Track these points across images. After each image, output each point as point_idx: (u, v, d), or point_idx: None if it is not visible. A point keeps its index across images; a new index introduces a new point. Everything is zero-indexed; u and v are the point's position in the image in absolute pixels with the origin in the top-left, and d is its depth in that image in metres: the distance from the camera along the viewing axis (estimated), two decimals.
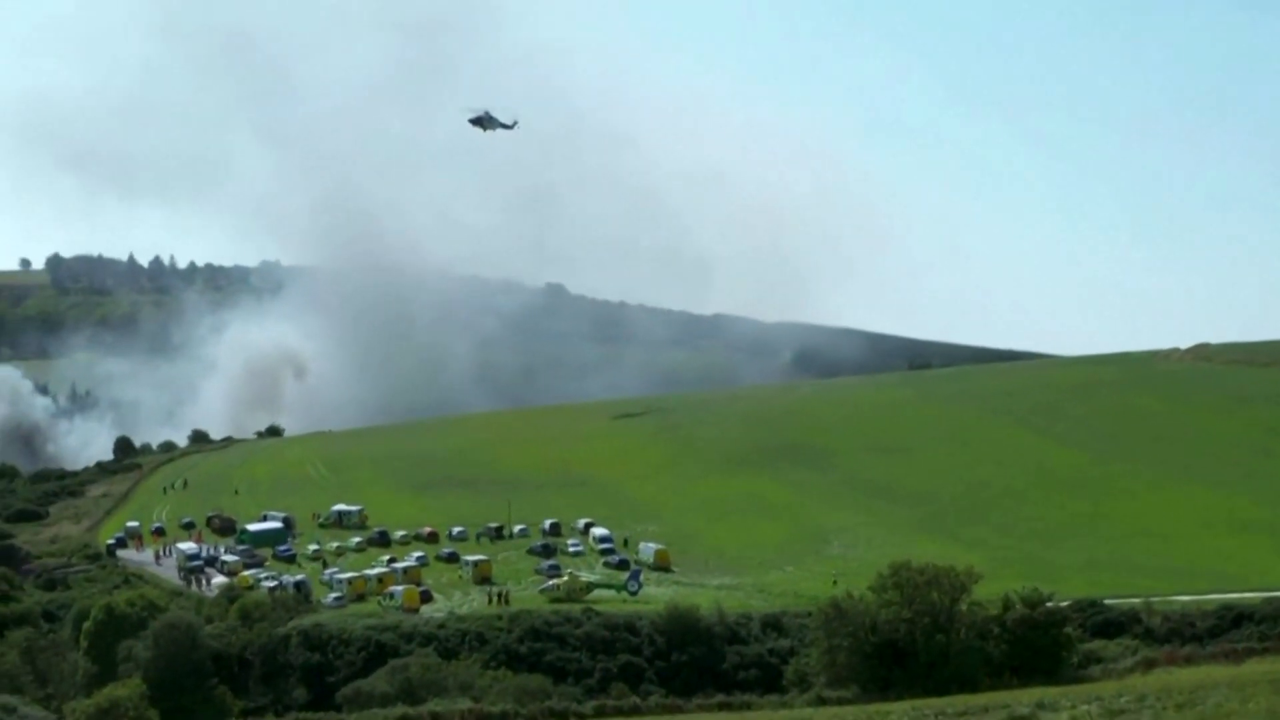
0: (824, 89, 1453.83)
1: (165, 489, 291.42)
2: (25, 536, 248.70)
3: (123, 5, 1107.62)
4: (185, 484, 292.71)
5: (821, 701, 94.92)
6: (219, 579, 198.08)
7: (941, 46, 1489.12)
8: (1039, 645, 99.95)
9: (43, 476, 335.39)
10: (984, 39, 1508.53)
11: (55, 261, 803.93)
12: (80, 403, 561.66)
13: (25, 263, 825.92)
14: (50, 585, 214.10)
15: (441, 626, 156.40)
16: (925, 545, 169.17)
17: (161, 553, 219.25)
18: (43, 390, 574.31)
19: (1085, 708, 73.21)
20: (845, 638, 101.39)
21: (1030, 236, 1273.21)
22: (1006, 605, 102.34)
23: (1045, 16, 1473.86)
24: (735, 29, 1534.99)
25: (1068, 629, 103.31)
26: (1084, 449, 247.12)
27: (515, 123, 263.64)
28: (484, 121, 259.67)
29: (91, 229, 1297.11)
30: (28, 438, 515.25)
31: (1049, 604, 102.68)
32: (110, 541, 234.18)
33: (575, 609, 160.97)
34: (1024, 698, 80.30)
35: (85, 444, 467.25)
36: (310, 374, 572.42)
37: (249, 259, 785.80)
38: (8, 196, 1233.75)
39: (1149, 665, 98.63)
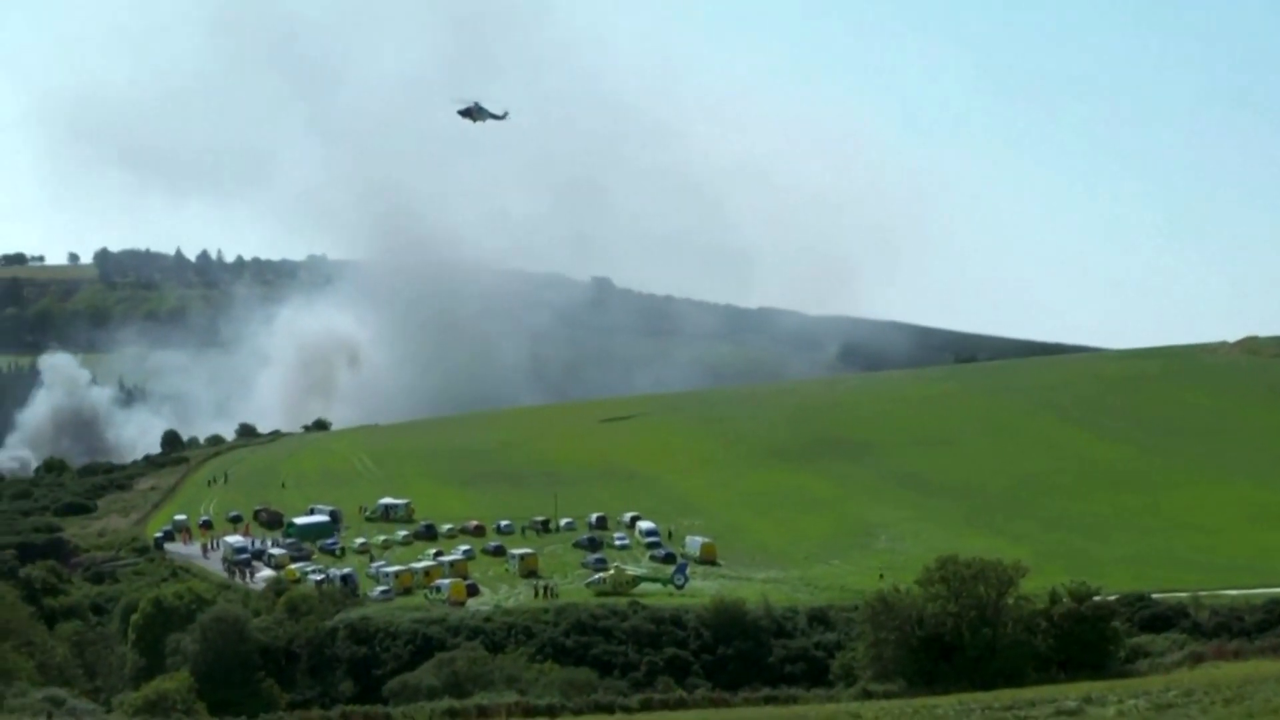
0: (869, 82, 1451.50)
1: (209, 482, 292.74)
2: (74, 530, 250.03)
3: (172, 2, 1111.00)
4: (226, 479, 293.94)
5: (868, 695, 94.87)
6: (266, 572, 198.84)
7: (985, 38, 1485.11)
8: (1086, 639, 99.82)
9: (91, 470, 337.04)
10: (1028, 30, 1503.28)
11: (103, 256, 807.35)
12: (134, 394, 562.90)
13: (74, 257, 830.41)
14: (98, 578, 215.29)
15: (488, 620, 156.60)
16: (971, 539, 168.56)
17: (209, 546, 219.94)
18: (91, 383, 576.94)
19: (1132, 702, 73.25)
20: (892, 631, 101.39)
21: (1076, 229, 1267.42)
22: (1053, 599, 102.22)
23: (1089, 6, 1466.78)
24: (780, 21, 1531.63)
25: (1115, 623, 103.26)
26: (1130, 443, 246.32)
27: (506, 113, 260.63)
28: (473, 112, 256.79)
29: (140, 224, 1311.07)
30: (85, 426, 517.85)
31: (1096, 598, 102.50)
32: (158, 535, 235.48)
33: (621, 602, 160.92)
34: (1071, 692, 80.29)
35: (143, 433, 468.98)
36: (363, 363, 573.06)
37: (296, 253, 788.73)
38: (57, 191, 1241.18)
39: (1196, 660, 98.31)
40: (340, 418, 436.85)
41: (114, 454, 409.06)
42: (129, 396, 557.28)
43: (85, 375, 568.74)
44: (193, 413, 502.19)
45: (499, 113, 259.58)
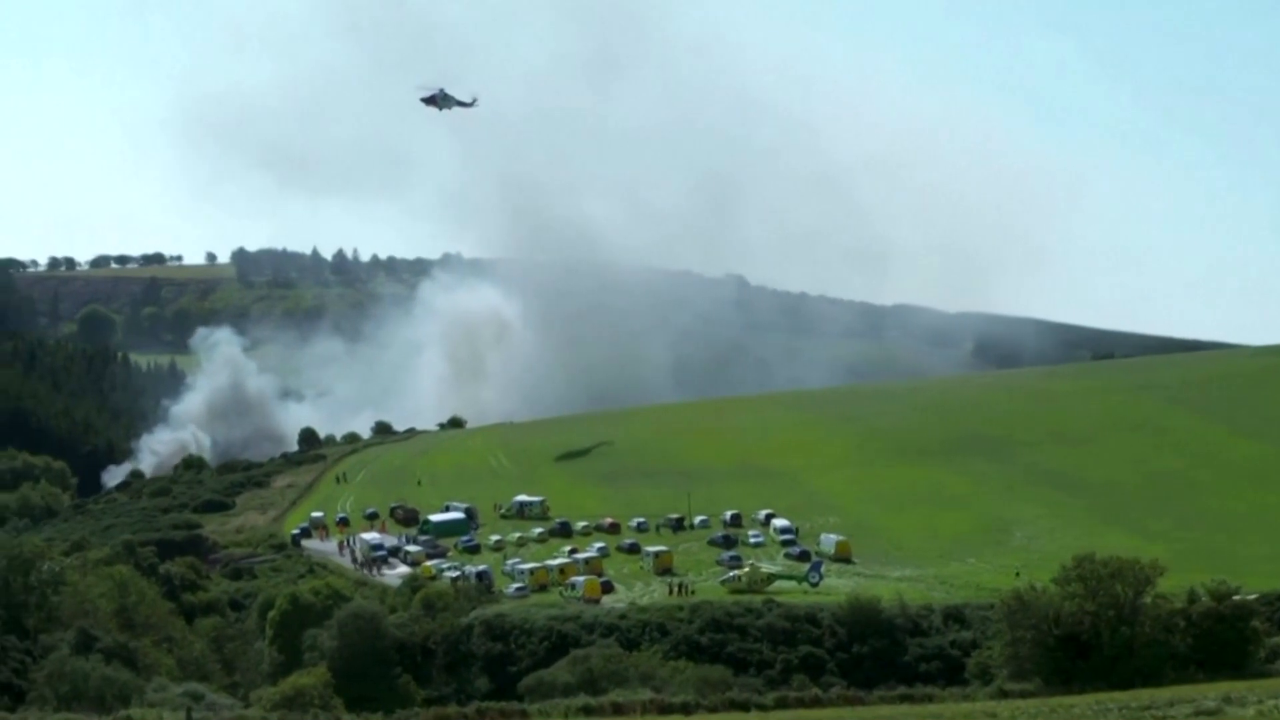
0: (1007, 78, 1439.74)
1: (336, 479, 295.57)
2: (212, 527, 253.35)
3: (310, 5, 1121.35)
4: (344, 477, 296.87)
5: (1004, 694, 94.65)
6: (401, 569, 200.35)
7: (1122, 37, 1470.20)
8: (1225, 639, 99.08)
9: (229, 467, 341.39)
10: (1164, 29, 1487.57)
11: (241, 255, 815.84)
12: (288, 390, 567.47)
13: (211, 257, 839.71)
14: (236, 575, 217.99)
15: (623, 617, 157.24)
16: (1107, 537, 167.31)
17: (347, 543, 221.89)
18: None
19: (1272, 703, 72.67)
20: (1028, 630, 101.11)
21: (1214, 225, 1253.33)
22: (1192, 598, 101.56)
23: (1224, 5, 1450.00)
24: (917, 18, 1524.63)
25: (1254, 622, 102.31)
26: (1268, 440, 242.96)
27: (475, 100, 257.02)
28: (438, 100, 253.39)
29: (277, 223, 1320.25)
30: (249, 410, 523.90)
31: (1235, 597, 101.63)
32: (295, 532, 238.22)
33: (756, 600, 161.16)
34: (1210, 692, 79.73)
35: (299, 424, 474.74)
36: (508, 354, 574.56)
37: (431, 252, 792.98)
38: (195, 192, 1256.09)
39: None
40: (485, 413, 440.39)
41: (283, 443, 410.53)
42: (284, 391, 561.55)
43: (244, 358, 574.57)
44: (342, 406, 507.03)
45: (467, 100, 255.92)
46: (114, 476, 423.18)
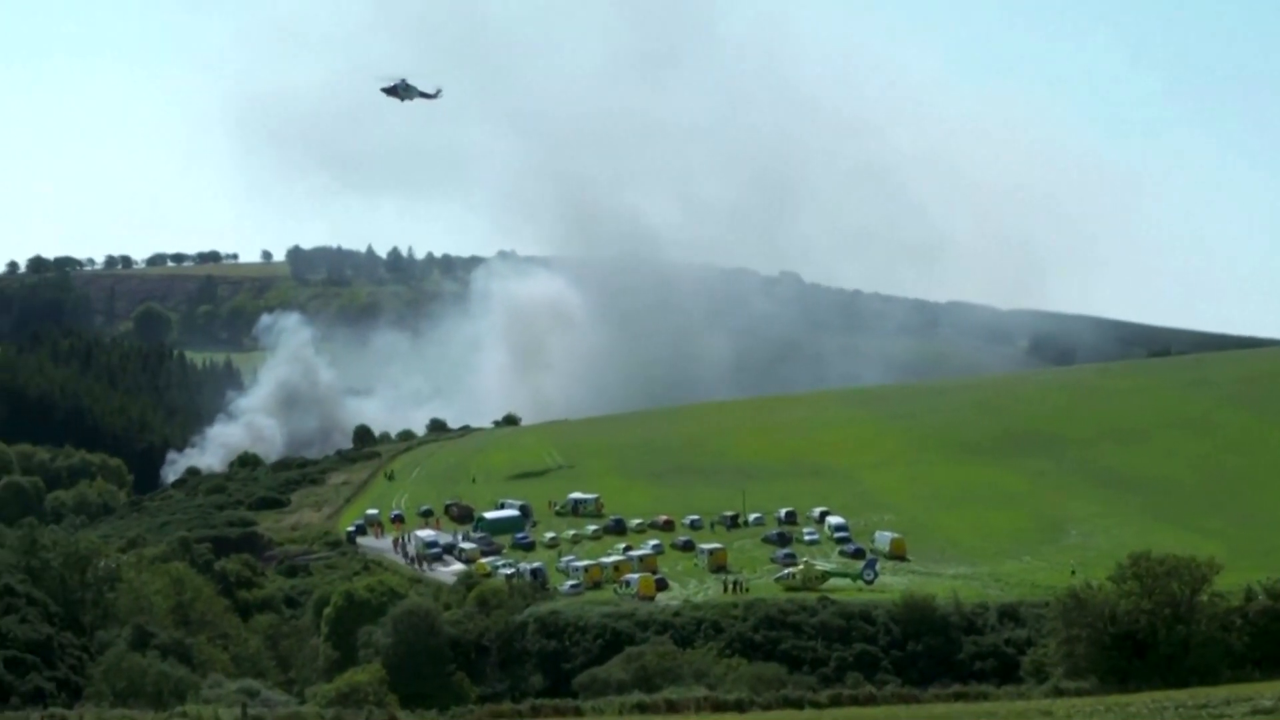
0: (1061, 74, 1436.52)
1: (387, 477, 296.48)
2: (268, 524, 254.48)
3: (365, 5, 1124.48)
4: (393, 475, 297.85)
5: (1059, 693, 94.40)
6: (456, 566, 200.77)
7: (1179, 33, 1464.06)
8: None
9: (284, 465, 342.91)
10: (1221, 25, 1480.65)
11: (295, 253, 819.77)
12: (348, 384, 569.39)
13: (266, 255, 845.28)
14: (292, 572, 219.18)
15: (677, 614, 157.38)
16: (1163, 535, 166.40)
17: (402, 540, 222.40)
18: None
19: None
20: (1084, 628, 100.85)
21: (1272, 221, 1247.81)
22: (1249, 596, 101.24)
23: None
24: (970, 14, 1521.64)
25: None
26: None
27: (439, 91, 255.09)
28: (399, 90, 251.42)
29: (332, 222, 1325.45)
30: (319, 403, 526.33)
31: None
32: (350, 529, 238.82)
33: (811, 597, 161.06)
34: (1267, 691, 79.47)
35: (365, 418, 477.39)
36: (569, 346, 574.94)
37: (486, 249, 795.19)
38: (250, 191, 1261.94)
39: None
40: (548, 404, 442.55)
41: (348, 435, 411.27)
42: (347, 387, 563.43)
43: (312, 348, 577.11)
44: (406, 400, 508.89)
45: (430, 91, 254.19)
46: (177, 467, 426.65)
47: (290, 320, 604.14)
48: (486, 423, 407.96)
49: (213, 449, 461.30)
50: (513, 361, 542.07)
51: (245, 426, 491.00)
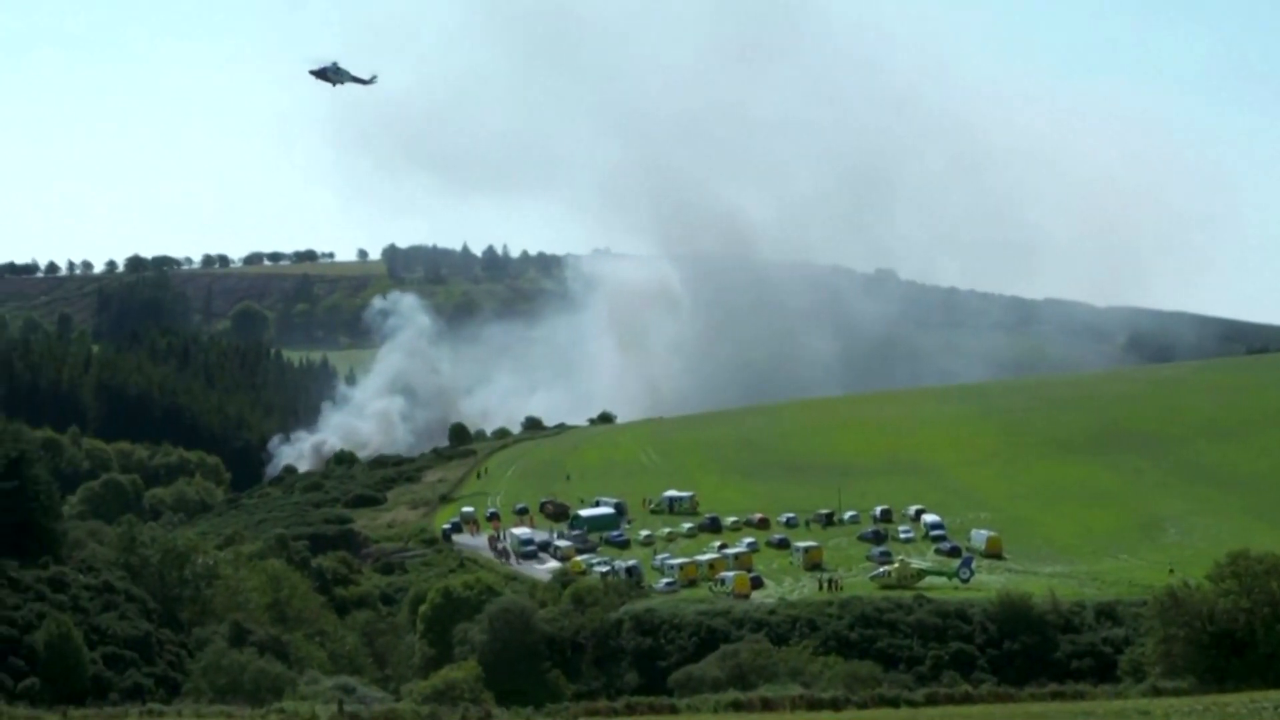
0: (1159, 68, 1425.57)
1: (478, 475, 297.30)
2: (364, 521, 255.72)
3: (461, 6, 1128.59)
4: (485, 472, 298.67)
5: (1157, 692, 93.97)
6: (551, 563, 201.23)
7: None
8: None
9: (380, 462, 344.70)
10: None
11: (391, 252, 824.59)
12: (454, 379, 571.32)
13: (363, 254, 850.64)
14: (388, 569, 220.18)
15: (772, 612, 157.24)
16: (1261, 534, 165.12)
17: (498, 538, 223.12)
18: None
19: None
20: (1181, 628, 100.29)
21: None
22: None
23: None
24: (1072, 6, 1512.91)
25: None
26: None
27: (374, 78, 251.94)
28: (329, 74, 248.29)
29: (428, 221, 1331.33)
30: (440, 395, 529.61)
31: None
32: (445, 526, 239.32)
33: (906, 596, 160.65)
34: None
35: (477, 410, 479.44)
36: (674, 332, 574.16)
37: (580, 247, 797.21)
38: (347, 191, 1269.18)
39: None
40: (657, 395, 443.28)
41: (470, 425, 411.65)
42: (454, 382, 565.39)
43: (426, 338, 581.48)
44: (512, 393, 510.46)
45: (365, 76, 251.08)
46: (298, 451, 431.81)
47: (407, 302, 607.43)
48: (595, 412, 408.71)
49: (331, 437, 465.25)
50: (619, 349, 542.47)
51: (378, 412, 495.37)
